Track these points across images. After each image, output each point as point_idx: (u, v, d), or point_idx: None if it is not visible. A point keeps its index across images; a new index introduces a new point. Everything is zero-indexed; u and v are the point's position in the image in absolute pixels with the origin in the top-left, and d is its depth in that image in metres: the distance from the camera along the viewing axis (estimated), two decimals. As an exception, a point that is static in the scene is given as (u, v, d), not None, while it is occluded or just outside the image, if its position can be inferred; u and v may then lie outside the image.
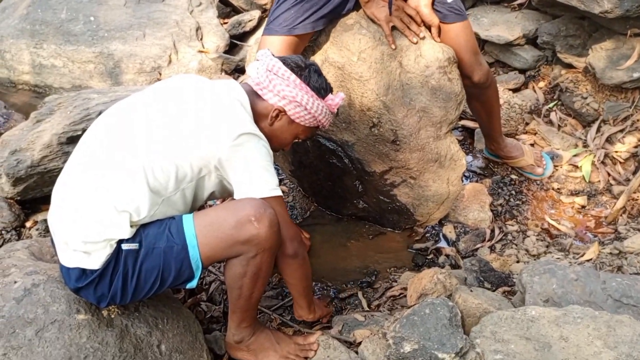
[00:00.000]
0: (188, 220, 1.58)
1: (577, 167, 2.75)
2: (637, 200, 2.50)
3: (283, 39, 2.08)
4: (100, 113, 2.36)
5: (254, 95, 1.75)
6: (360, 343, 1.79)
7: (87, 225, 1.52)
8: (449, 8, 2.13)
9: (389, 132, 2.19)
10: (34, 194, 2.44)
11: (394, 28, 2.11)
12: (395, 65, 2.14)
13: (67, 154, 2.33)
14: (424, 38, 2.13)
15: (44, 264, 1.78)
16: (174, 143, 1.57)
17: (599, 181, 2.67)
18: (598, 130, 2.85)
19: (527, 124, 3.01)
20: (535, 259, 2.29)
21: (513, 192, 2.68)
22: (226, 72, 3.61)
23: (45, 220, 2.35)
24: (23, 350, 1.50)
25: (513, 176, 2.75)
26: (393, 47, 2.11)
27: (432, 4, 2.11)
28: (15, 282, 1.63)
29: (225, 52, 3.70)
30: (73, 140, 2.34)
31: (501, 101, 2.96)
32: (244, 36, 3.91)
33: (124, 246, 1.53)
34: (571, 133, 2.94)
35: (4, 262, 1.75)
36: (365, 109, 2.18)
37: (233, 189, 1.63)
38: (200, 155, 1.58)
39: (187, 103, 1.63)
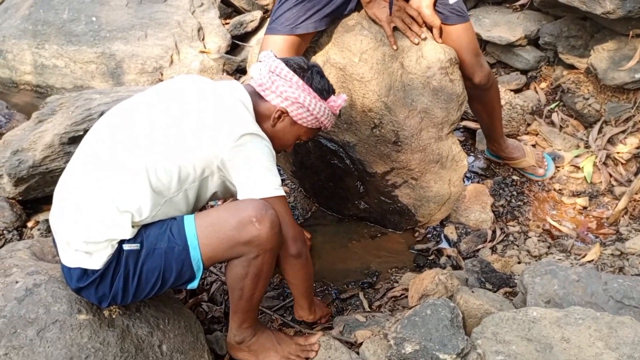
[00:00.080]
0: (189, 221, 1.58)
1: (578, 168, 2.75)
2: (638, 201, 2.49)
3: (285, 38, 2.08)
4: (102, 113, 2.37)
5: (256, 97, 1.75)
6: (361, 344, 1.79)
7: (88, 225, 1.52)
8: (450, 9, 2.13)
9: (391, 133, 2.19)
10: (35, 194, 2.44)
11: (395, 29, 2.11)
12: (396, 66, 2.14)
13: (69, 154, 2.33)
14: (425, 39, 2.13)
15: (46, 264, 1.78)
16: (176, 143, 1.57)
17: (601, 182, 2.67)
18: (600, 131, 2.85)
19: (528, 124, 3.00)
20: (536, 260, 2.29)
21: (514, 193, 2.67)
22: (228, 73, 3.62)
23: (46, 220, 2.36)
24: (24, 350, 1.50)
25: (514, 177, 2.75)
26: (395, 47, 2.11)
27: (434, 5, 2.11)
28: (17, 282, 1.63)
29: (227, 52, 3.71)
30: (75, 140, 2.34)
31: (503, 102, 2.96)
32: (246, 37, 3.92)
33: (125, 246, 1.54)
34: (573, 134, 2.94)
35: (6, 262, 1.76)
36: (367, 109, 2.18)
37: (236, 189, 1.63)
38: (203, 155, 1.58)
39: (189, 103, 1.64)
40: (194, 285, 1.63)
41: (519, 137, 2.94)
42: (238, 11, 4.15)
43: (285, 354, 1.80)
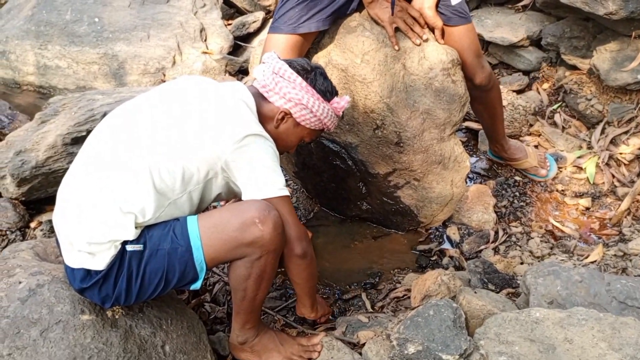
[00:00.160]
0: (192, 222, 1.58)
1: (581, 168, 2.74)
2: (641, 202, 2.49)
3: (287, 38, 2.08)
4: (104, 114, 2.37)
5: (259, 98, 1.75)
6: (364, 344, 1.79)
7: (92, 226, 1.52)
8: (452, 10, 2.13)
9: (393, 134, 2.19)
10: (38, 195, 2.44)
11: (397, 29, 2.11)
12: (398, 67, 2.14)
13: (72, 154, 2.34)
14: (427, 40, 2.13)
15: (49, 265, 1.78)
16: (179, 144, 1.57)
17: (603, 183, 2.66)
18: (602, 132, 2.85)
19: (531, 125, 3.00)
20: (539, 261, 2.29)
21: (517, 193, 2.67)
22: (230, 73, 3.62)
23: (49, 221, 2.36)
24: (28, 351, 1.50)
25: (517, 178, 2.75)
26: (396, 48, 2.11)
27: (436, 6, 2.11)
28: (20, 282, 1.64)
29: (229, 53, 3.71)
30: (77, 141, 2.34)
31: (505, 102, 2.96)
32: (248, 37, 3.92)
33: (129, 247, 1.54)
34: (575, 135, 2.93)
35: (9, 263, 1.76)
36: (369, 111, 2.18)
37: (240, 190, 1.64)
38: (206, 156, 1.58)
39: (192, 104, 1.64)
40: (197, 286, 1.63)
41: (521, 138, 2.94)
42: (240, 12, 4.16)
43: (288, 355, 1.79)
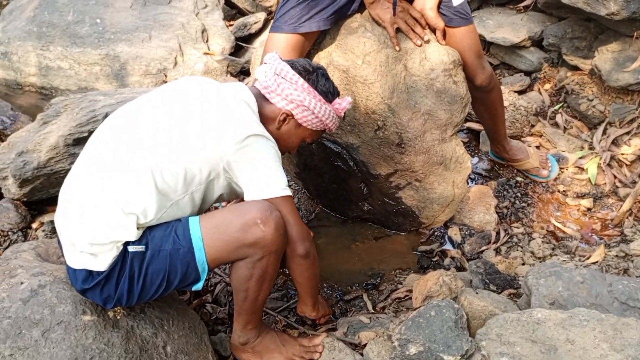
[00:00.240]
0: (194, 223, 1.58)
1: (583, 169, 2.74)
2: (643, 202, 2.49)
3: (288, 37, 2.08)
4: (106, 115, 2.38)
5: (261, 99, 1.76)
6: (365, 345, 1.79)
7: (94, 227, 1.52)
8: (454, 11, 2.13)
9: (394, 135, 2.19)
10: (40, 196, 2.45)
11: (398, 30, 2.11)
12: (400, 68, 2.14)
13: (74, 155, 2.34)
14: (428, 41, 2.12)
15: (51, 265, 1.78)
16: (181, 145, 1.58)
17: (605, 183, 2.66)
18: (604, 133, 2.84)
19: (532, 126, 3.00)
20: (541, 262, 2.28)
21: (518, 194, 2.67)
22: (231, 74, 3.62)
23: (51, 222, 2.37)
24: (29, 351, 1.51)
25: (518, 178, 2.75)
26: (397, 48, 2.11)
27: (438, 7, 2.10)
28: (22, 283, 1.64)
29: (231, 54, 3.72)
30: (79, 141, 2.35)
31: (506, 103, 2.96)
32: (250, 38, 3.93)
33: (130, 248, 1.54)
34: (577, 135, 2.93)
35: (11, 263, 1.76)
36: (370, 112, 2.18)
37: (242, 190, 1.64)
38: (208, 157, 1.59)
39: (193, 105, 1.64)
40: (198, 286, 1.63)
41: (522, 139, 2.94)
42: (242, 13, 4.16)
43: (289, 355, 1.80)
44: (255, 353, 1.80)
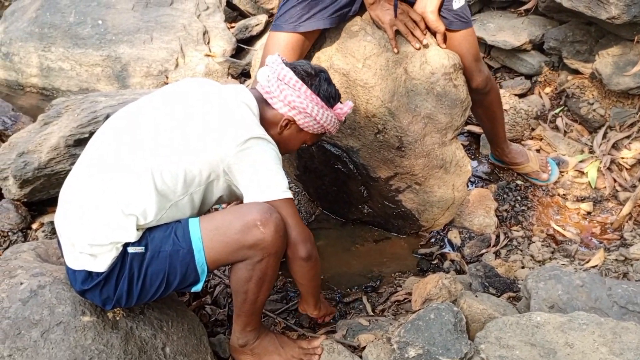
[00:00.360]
0: (194, 224, 1.58)
1: (583, 173, 2.74)
2: (643, 206, 2.49)
3: (289, 36, 2.07)
4: (107, 116, 2.38)
5: (263, 103, 1.76)
6: (364, 348, 1.79)
7: (94, 228, 1.52)
8: (454, 15, 2.13)
9: (394, 139, 2.19)
10: (40, 196, 2.45)
11: (397, 33, 2.11)
12: (400, 72, 2.14)
13: (74, 156, 2.34)
14: (427, 45, 2.12)
15: (50, 266, 1.79)
16: (181, 147, 1.58)
17: (605, 187, 2.66)
18: (604, 136, 2.84)
19: (533, 129, 3.00)
20: (540, 265, 2.28)
21: (518, 197, 2.67)
22: (232, 76, 3.63)
23: (51, 222, 2.37)
24: (28, 352, 1.51)
25: (518, 182, 2.75)
26: (395, 51, 2.11)
27: (439, 10, 2.10)
28: (22, 283, 1.64)
29: (232, 56, 3.72)
30: (80, 142, 2.35)
31: (507, 106, 2.96)
32: (251, 40, 3.93)
33: (130, 249, 1.54)
34: (577, 139, 2.93)
35: (11, 264, 1.76)
36: (371, 115, 2.19)
37: (242, 193, 1.64)
38: (208, 159, 1.59)
39: (194, 107, 1.64)
40: (198, 288, 1.63)
41: (523, 142, 2.94)
42: (243, 15, 4.17)
43: (288, 357, 1.80)
44: (254, 355, 1.80)
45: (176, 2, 3.84)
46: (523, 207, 2.63)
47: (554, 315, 1.57)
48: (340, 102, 1.85)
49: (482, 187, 2.72)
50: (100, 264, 1.53)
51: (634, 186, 2.61)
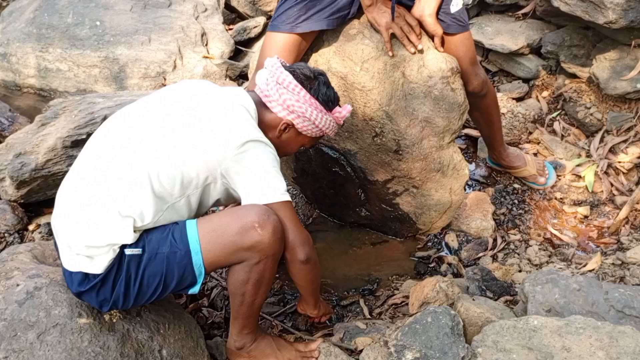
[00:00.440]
0: (192, 226, 1.58)
1: (580, 177, 2.75)
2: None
3: (286, 37, 2.07)
4: (105, 117, 2.37)
5: (261, 106, 1.76)
6: (361, 351, 1.79)
7: (90, 229, 1.52)
8: (452, 18, 2.13)
9: (392, 142, 2.20)
10: (37, 197, 2.44)
11: (393, 36, 2.10)
12: (398, 75, 2.14)
13: (72, 157, 2.34)
14: (422, 50, 2.12)
15: (47, 267, 1.78)
16: (178, 149, 1.58)
17: (602, 191, 2.67)
18: (601, 141, 2.85)
19: (530, 133, 3.01)
20: (537, 269, 2.29)
21: (516, 201, 2.68)
22: (231, 78, 3.63)
23: (48, 224, 2.36)
24: (24, 354, 1.50)
25: (516, 185, 2.75)
26: (390, 54, 2.10)
27: (437, 13, 2.11)
28: (18, 285, 1.64)
29: (230, 58, 3.72)
30: (77, 144, 2.35)
31: (505, 110, 2.96)
32: (249, 42, 3.93)
33: (127, 251, 1.54)
34: (574, 143, 2.94)
35: (7, 265, 1.76)
36: (368, 118, 2.19)
37: (240, 196, 1.63)
38: (206, 161, 1.58)
39: (192, 109, 1.64)
40: (195, 290, 1.63)
41: (520, 146, 2.95)
42: (241, 17, 4.17)
43: (285, 360, 1.80)
44: (251, 358, 1.80)
45: (174, 4, 3.84)
46: (520, 211, 2.63)
47: (551, 319, 1.57)
48: (339, 106, 1.85)
49: (479, 190, 2.72)
50: (97, 265, 1.53)
51: (631, 190, 2.62)
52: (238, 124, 1.62)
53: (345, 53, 2.16)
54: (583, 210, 2.60)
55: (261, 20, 3.95)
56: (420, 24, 2.12)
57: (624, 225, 2.47)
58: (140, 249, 1.55)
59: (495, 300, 2.02)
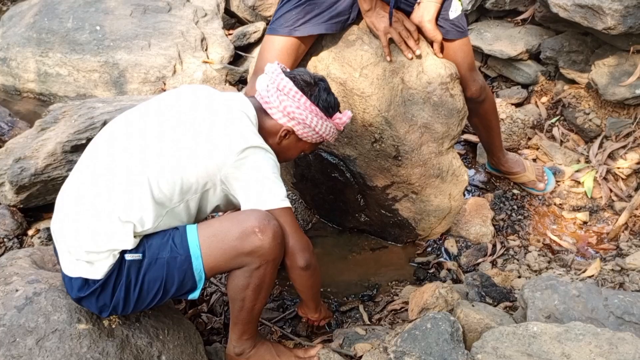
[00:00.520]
0: (192, 231, 1.58)
1: (579, 182, 2.75)
2: (639, 216, 2.50)
3: (284, 40, 2.07)
4: (104, 122, 2.38)
5: (261, 112, 1.76)
6: (361, 357, 1.79)
7: (90, 235, 1.52)
8: (451, 24, 2.14)
9: (391, 148, 2.20)
10: (37, 202, 2.44)
11: (391, 41, 2.11)
12: (397, 81, 2.15)
13: (71, 162, 2.34)
14: (419, 56, 2.12)
15: (46, 273, 1.78)
16: (178, 155, 1.58)
17: (601, 197, 2.67)
18: (600, 146, 2.86)
19: (529, 138, 3.01)
20: (536, 275, 2.29)
21: (515, 207, 2.68)
22: (230, 83, 3.63)
23: (47, 229, 2.36)
24: (23, 359, 1.49)
25: (515, 191, 2.75)
26: (388, 59, 2.10)
27: (436, 19, 2.11)
28: (17, 290, 1.63)
29: (230, 63, 3.72)
30: (77, 149, 2.35)
31: (504, 115, 2.97)
32: (249, 47, 3.94)
33: (127, 256, 1.54)
34: (573, 148, 2.95)
35: (6, 270, 1.76)
36: (367, 124, 2.19)
37: (239, 202, 1.63)
38: (205, 167, 1.59)
39: (192, 114, 1.64)
40: (195, 295, 1.63)
41: (519, 151, 2.95)
42: (241, 22, 4.18)
43: (285, 366, 1.79)
44: (251, 363, 1.80)
45: (174, 9, 3.85)
46: (519, 217, 2.63)
47: (550, 325, 1.56)
48: (339, 112, 1.85)
49: (478, 196, 2.72)
50: (97, 271, 1.53)
51: (630, 196, 2.62)
52: (238, 130, 1.62)
53: (345, 59, 2.16)
54: (582, 216, 2.60)
55: (261, 25, 3.96)
56: (419, 30, 2.12)
57: (623, 231, 2.47)
58: (141, 254, 1.55)
59: (495, 306, 2.02)
